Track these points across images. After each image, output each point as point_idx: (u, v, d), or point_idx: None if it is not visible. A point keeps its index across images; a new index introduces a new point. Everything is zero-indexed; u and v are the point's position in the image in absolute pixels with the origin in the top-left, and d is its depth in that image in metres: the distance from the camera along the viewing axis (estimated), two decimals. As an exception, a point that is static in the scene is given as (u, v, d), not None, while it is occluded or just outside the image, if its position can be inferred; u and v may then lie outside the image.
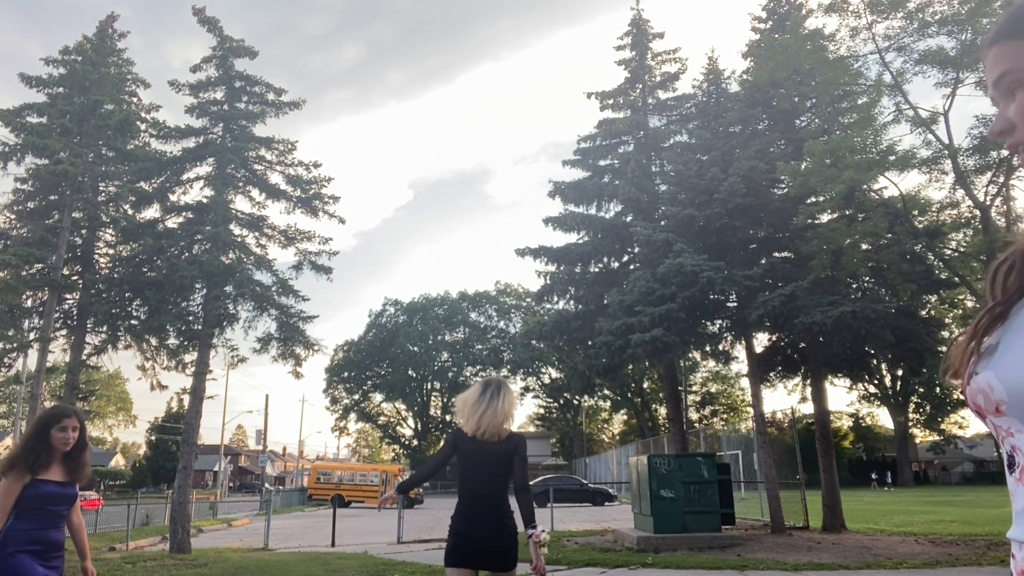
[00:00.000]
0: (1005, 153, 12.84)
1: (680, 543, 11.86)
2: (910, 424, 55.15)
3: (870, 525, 16.23)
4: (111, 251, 17.84)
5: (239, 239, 16.66)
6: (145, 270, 16.04)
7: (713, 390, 62.71)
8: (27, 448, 3.61)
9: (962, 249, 14.43)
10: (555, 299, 20.00)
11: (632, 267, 18.38)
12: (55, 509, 3.61)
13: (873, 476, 48.20)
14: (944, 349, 19.24)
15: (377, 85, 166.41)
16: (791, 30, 15.05)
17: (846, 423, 58.86)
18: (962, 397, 1.03)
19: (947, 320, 17.31)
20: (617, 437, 69.97)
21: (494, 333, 65.57)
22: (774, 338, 16.50)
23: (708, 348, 17.67)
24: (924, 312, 15.59)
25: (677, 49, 20.31)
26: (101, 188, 17.59)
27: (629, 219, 18.74)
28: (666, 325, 13.45)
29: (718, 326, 16.70)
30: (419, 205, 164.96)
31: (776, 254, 15.90)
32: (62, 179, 15.87)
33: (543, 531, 3.36)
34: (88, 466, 3.83)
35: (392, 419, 71.44)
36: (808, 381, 17.03)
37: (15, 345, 15.87)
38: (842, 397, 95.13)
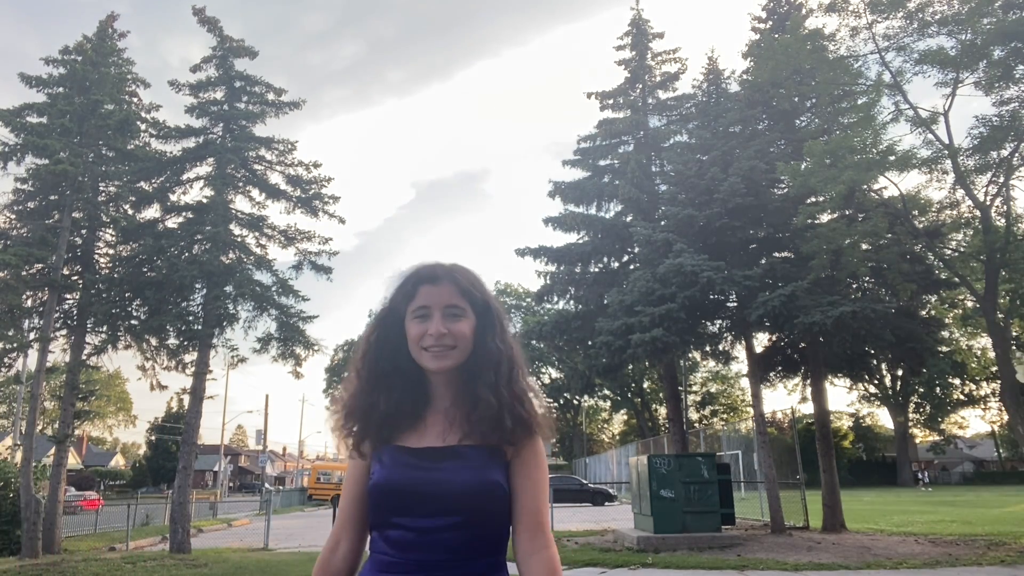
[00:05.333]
0: (1005, 153, 12.87)
1: (680, 543, 11.86)
2: (910, 424, 55.12)
3: (870, 525, 16.23)
4: (111, 251, 17.83)
5: (239, 239, 16.66)
6: (145, 270, 16.03)
7: (713, 390, 62.68)
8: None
9: (962, 249, 14.42)
10: (555, 299, 19.99)
11: (632, 267, 18.37)
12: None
13: (918, 476, 48.99)
14: (944, 349, 19.22)
15: (377, 83, 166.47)
16: (791, 30, 15.05)
17: (846, 423, 58.84)
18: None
19: (947, 320, 17.31)
20: (617, 437, 69.96)
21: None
22: (774, 338, 16.50)
23: (708, 348, 17.67)
24: (924, 312, 15.58)
25: (677, 49, 20.32)
26: (101, 188, 17.58)
27: (629, 219, 18.73)
28: (666, 325, 13.45)
29: (718, 326, 16.70)
30: (420, 204, 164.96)
31: (776, 254, 15.90)
32: (62, 179, 15.85)
33: None
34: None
35: (392, 419, 71.36)
36: (808, 381, 17.03)
37: (15, 345, 15.85)
38: (842, 397, 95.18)
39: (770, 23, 17.89)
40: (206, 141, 16.87)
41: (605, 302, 17.08)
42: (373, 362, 1.60)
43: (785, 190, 15.12)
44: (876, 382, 50.26)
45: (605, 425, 75.37)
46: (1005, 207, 13.74)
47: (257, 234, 17.02)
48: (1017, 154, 12.88)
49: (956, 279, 13.93)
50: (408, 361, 1.55)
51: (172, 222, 16.94)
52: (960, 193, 13.81)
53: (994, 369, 29.10)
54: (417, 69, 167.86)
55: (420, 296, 1.54)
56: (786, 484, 16.24)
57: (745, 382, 48.91)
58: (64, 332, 16.85)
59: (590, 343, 16.89)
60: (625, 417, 68.82)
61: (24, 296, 15.91)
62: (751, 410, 17.42)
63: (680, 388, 23.11)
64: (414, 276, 1.58)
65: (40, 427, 23.76)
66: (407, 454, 1.48)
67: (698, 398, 61.62)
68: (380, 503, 1.47)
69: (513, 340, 1.61)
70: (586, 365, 17.67)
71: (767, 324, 14.53)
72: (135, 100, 18.60)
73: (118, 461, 73.03)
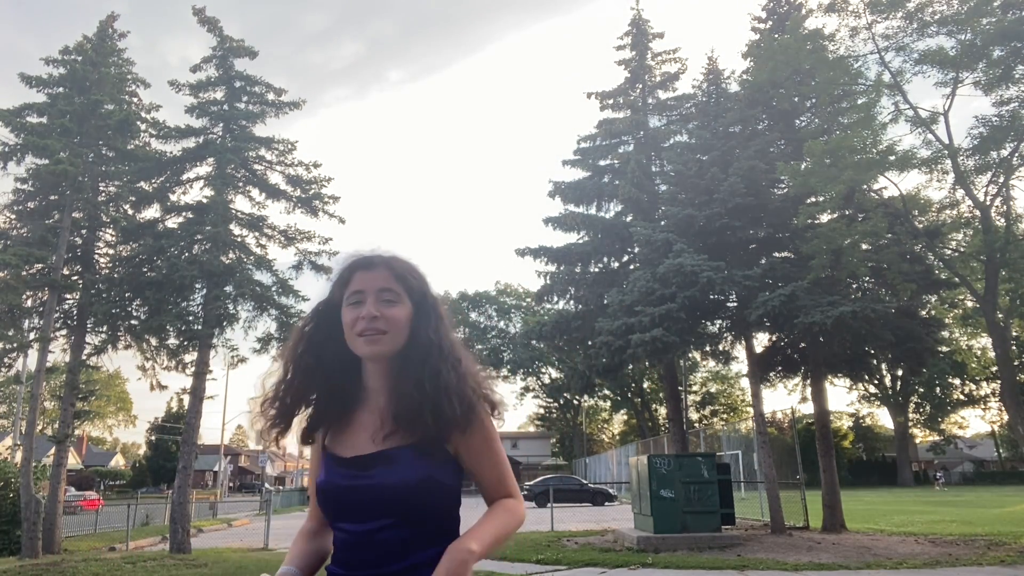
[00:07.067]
0: (1005, 153, 12.87)
1: (680, 543, 11.86)
2: (910, 424, 55.13)
3: (870, 525, 16.23)
4: (111, 251, 17.83)
5: (239, 239, 16.66)
6: (145, 270, 16.03)
7: (713, 390, 62.69)
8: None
9: (962, 249, 14.43)
10: (555, 299, 20.00)
11: (632, 267, 18.38)
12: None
13: (936, 476, 49.40)
14: (944, 349, 19.26)
15: (376, 82, 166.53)
16: (791, 30, 15.05)
17: (846, 423, 58.85)
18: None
19: (947, 320, 17.32)
20: (617, 437, 69.96)
21: (494, 333, 65.51)
22: (774, 338, 16.50)
23: (708, 348, 17.66)
24: (924, 312, 15.58)
25: (677, 49, 20.34)
26: (101, 188, 17.59)
27: (629, 219, 18.74)
28: (666, 325, 13.45)
29: (718, 326, 16.69)
30: (420, 204, 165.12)
31: (776, 254, 15.91)
32: (62, 179, 15.85)
33: None
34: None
35: (392, 419, 71.18)
36: (808, 381, 17.03)
37: (15, 345, 15.86)
38: (842, 397, 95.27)
39: (770, 23, 17.89)
40: (206, 141, 16.86)
41: (605, 302, 17.07)
42: (300, 355, 1.55)
43: (785, 190, 15.12)
44: (876, 382, 50.29)
45: (605, 425, 75.36)
46: (1005, 207, 13.75)
47: (257, 234, 17.02)
48: (1017, 154, 12.88)
49: (956, 279, 13.93)
50: (341, 353, 1.51)
51: (172, 222, 16.93)
52: (960, 193, 13.82)
53: (994, 369, 29.12)
54: (417, 68, 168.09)
55: (355, 282, 1.50)
56: (786, 484, 16.23)
57: (745, 382, 48.90)
58: (64, 332, 16.85)
59: (590, 343, 16.89)
60: (625, 417, 68.82)
61: (24, 296, 15.92)
62: (751, 410, 17.42)
63: (680, 388, 23.11)
64: (350, 264, 1.55)
65: (40, 427, 23.79)
66: (340, 464, 1.48)
67: (698, 398, 61.62)
68: (323, 507, 1.50)
69: (450, 330, 1.56)
70: (586, 365, 17.67)
71: (767, 324, 14.53)
72: (135, 100, 18.62)
73: (118, 461, 73.00)
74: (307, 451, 1.66)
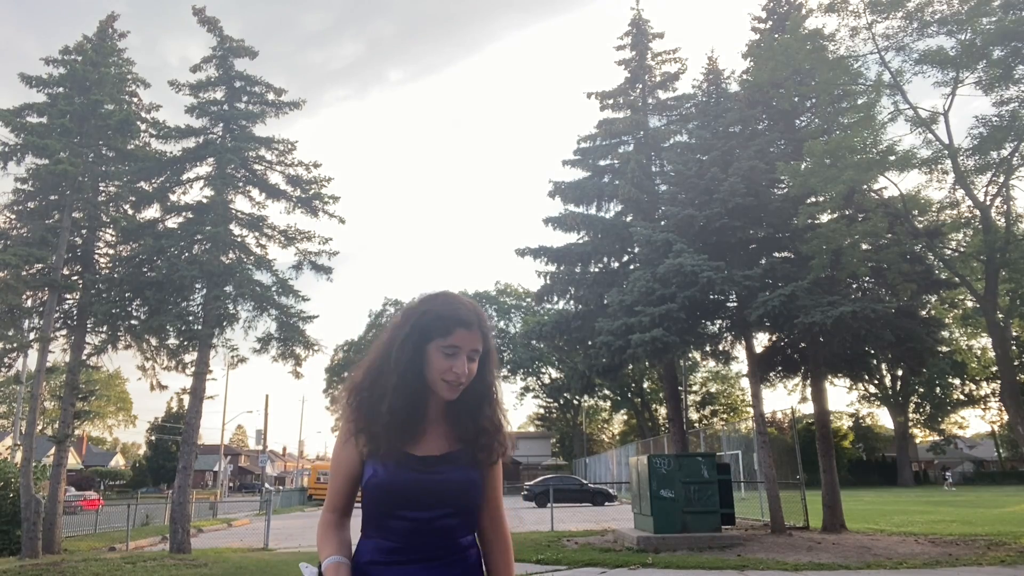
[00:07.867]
0: (1005, 153, 12.87)
1: (680, 543, 11.86)
2: (910, 424, 55.10)
3: (870, 525, 16.23)
4: (111, 251, 17.83)
5: (239, 239, 16.66)
6: (145, 270, 16.03)
7: (713, 390, 62.63)
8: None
9: (962, 249, 14.42)
10: (555, 299, 19.99)
11: (632, 267, 18.37)
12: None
13: (945, 475, 49.81)
14: (944, 349, 19.22)
15: (376, 82, 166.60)
16: (791, 30, 15.05)
17: (846, 423, 58.81)
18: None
19: (947, 320, 17.31)
20: (617, 437, 69.94)
21: (494, 333, 65.39)
22: (774, 338, 16.49)
23: (708, 348, 17.66)
24: (924, 312, 15.57)
25: (677, 49, 20.34)
26: (101, 188, 17.57)
27: (629, 219, 18.74)
28: (666, 325, 13.44)
29: (718, 326, 16.69)
30: (419, 204, 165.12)
31: (776, 254, 15.90)
32: (62, 179, 15.85)
33: None
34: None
35: (392, 419, 71.11)
36: (808, 381, 17.03)
37: (15, 345, 15.86)
38: (842, 397, 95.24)
39: (770, 23, 17.89)
40: (206, 141, 16.86)
41: (605, 302, 17.08)
42: (401, 376, 1.80)
43: (785, 190, 15.11)
44: (876, 382, 50.26)
45: (605, 425, 75.34)
46: (1005, 207, 13.74)
47: (257, 234, 17.02)
48: (1017, 154, 12.88)
49: (956, 279, 13.93)
50: (421, 378, 1.81)
51: (172, 222, 16.94)
52: (960, 193, 13.81)
53: (994, 369, 29.09)
54: (417, 68, 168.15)
55: (455, 336, 1.78)
56: (786, 484, 16.23)
57: (745, 382, 48.87)
58: (64, 332, 16.84)
59: (590, 343, 16.88)
60: (625, 417, 68.79)
61: (24, 296, 15.91)
62: (751, 410, 17.42)
63: (680, 388, 23.11)
64: (454, 318, 1.81)
65: (40, 427, 23.75)
66: (413, 460, 1.77)
67: (698, 398, 61.59)
68: (386, 499, 1.75)
69: (498, 369, 1.96)
70: (586, 365, 17.66)
71: (767, 324, 14.52)
72: (135, 100, 18.60)
73: (118, 461, 72.99)
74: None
